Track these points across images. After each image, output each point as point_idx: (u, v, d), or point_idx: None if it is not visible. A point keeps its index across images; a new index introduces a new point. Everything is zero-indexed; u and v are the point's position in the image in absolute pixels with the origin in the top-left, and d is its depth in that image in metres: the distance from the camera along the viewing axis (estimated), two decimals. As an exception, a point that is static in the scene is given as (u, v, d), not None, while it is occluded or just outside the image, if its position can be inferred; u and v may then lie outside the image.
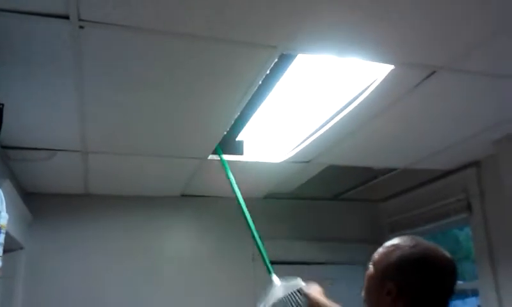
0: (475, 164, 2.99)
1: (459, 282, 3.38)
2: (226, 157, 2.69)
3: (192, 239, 3.66)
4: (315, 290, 1.97)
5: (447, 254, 1.23)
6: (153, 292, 3.42)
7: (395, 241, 1.27)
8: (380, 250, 1.29)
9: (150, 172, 3.06)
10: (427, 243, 1.24)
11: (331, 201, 3.94)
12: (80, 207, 3.43)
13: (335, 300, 1.86)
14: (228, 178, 2.59)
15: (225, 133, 2.41)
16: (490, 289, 2.83)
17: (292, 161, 2.87)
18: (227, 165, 2.62)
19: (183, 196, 3.63)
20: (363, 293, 1.29)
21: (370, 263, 1.30)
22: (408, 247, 1.22)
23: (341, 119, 2.25)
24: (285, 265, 3.70)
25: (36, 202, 3.26)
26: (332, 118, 2.28)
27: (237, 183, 3.32)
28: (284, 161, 2.88)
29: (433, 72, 1.82)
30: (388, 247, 1.26)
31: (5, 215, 1.69)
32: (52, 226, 3.33)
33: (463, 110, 2.22)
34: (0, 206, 1.66)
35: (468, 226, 3.12)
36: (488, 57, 1.72)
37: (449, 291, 1.20)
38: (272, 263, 3.71)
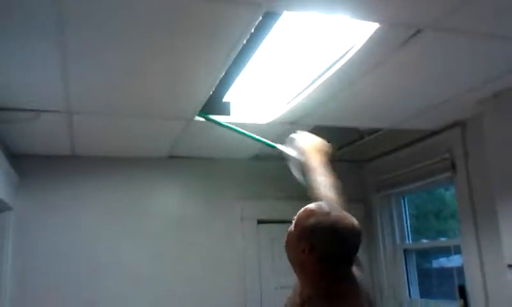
0: (460, 124, 3.01)
1: (443, 239, 3.51)
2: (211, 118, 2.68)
3: (180, 199, 3.69)
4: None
5: (355, 222, 1.45)
6: (140, 251, 3.47)
7: (313, 207, 1.50)
8: (300, 213, 1.51)
9: (136, 133, 3.05)
10: (338, 211, 1.49)
11: (318, 162, 3.97)
12: (67, 168, 3.43)
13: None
14: (227, 127, 2.65)
15: (211, 93, 2.39)
16: (472, 245, 2.91)
17: (279, 122, 2.88)
18: (217, 120, 2.65)
19: (170, 157, 3.64)
20: (284, 245, 1.54)
21: (293, 221, 1.53)
22: (322, 215, 1.45)
23: (326, 79, 2.25)
24: (272, 224, 3.79)
25: (23, 163, 3.25)
26: (318, 78, 2.27)
27: (224, 144, 3.34)
28: (270, 122, 2.88)
29: (418, 31, 1.80)
30: (306, 212, 1.49)
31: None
32: (39, 187, 3.34)
33: (448, 69, 2.21)
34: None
35: (452, 185, 3.18)
36: (473, 16, 1.71)
37: (353, 250, 1.46)
38: (260, 222, 3.80)
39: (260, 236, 3.80)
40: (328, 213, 1.46)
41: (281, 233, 4.13)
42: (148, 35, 1.76)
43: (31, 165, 3.32)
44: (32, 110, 2.46)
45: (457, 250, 3.13)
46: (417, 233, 3.84)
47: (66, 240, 3.33)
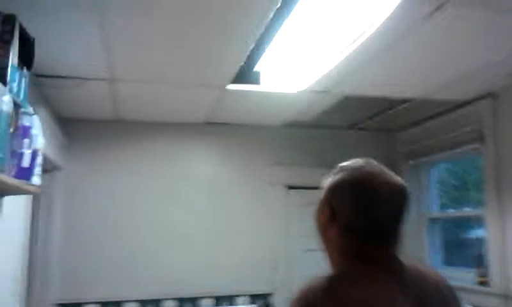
0: (491, 95, 3.02)
1: (468, 209, 3.56)
2: (243, 87, 2.79)
3: (214, 164, 3.87)
4: None
5: (394, 180, 1.06)
6: (176, 211, 3.71)
7: (345, 163, 1.12)
8: (331, 172, 1.14)
9: (175, 100, 3.22)
10: (376, 166, 1.08)
11: (348, 130, 4.05)
12: (111, 132, 3.67)
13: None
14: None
15: (242, 63, 2.51)
16: (495, 216, 2.96)
17: (309, 91, 2.97)
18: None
19: (207, 123, 3.81)
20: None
21: None
22: (351, 170, 1.08)
23: (357, 48, 2.31)
24: (302, 189, 3.93)
25: (70, 127, 3.50)
26: (348, 48, 2.34)
27: (257, 111, 3.47)
28: (301, 91, 2.97)
29: (441, 4, 1.85)
30: (336, 169, 1.12)
31: (42, 139, 1.89)
32: (86, 149, 3.60)
33: (476, 42, 2.24)
34: (38, 131, 1.85)
35: (481, 156, 3.20)
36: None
37: (387, 222, 1.05)
38: (290, 187, 3.94)
39: (289, 201, 3.95)
40: (359, 168, 1.08)
41: (310, 199, 4.29)
42: (185, 9, 1.88)
43: (78, 129, 3.57)
44: (77, 77, 2.66)
45: (480, 221, 3.18)
46: (456, 202, 3.87)
47: (110, 198, 3.60)
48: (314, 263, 3.52)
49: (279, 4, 1.87)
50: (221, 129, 3.86)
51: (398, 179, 1.06)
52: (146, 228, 3.62)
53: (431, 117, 3.58)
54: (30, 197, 2.55)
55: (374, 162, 1.10)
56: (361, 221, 1.03)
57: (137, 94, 3.08)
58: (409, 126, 3.90)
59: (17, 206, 2.29)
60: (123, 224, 3.59)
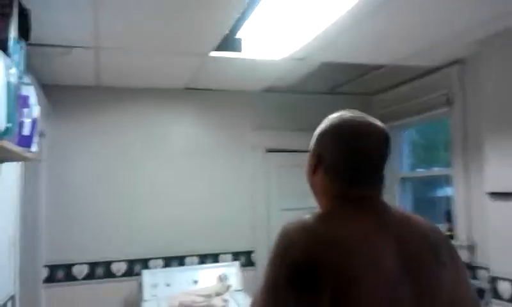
0: (460, 62, 3.21)
1: (437, 169, 3.80)
2: (225, 54, 2.88)
3: (195, 128, 3.98)
4: None
5: (375, 124, 1.13)
6: (160, 174, 3.83)
7: (332, 114, 1.18)
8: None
9: (158, 67, 3.29)
10: (359, 114, 1.15)
11: (326, 95, 4.20)
12: (93, 98, 3.72)
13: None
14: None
15: (227, 32, 2.60)
16: (461, 175, 3.20)
17: (289, 58, 3.09)
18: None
19: (188, 88, 3.89)
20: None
21: None
22: (335, 118, 1.15)
23: (335, 21, 2.44)
24: (280, 153, 4.10)
25: (53, 93, 3.53)
26: (326, 20, 2.46)
27: (237, 77, 3.57)
28: (281, 59, 3.09)
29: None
30: (323, 120, 1.18)
31: (38, 108, 1.97)
32: (69, 115, 3.65)
33: (447, 10, 2.39)
34: (34, 100, 1.93)
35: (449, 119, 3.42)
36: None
37: (368, 162, 1.10)
38: (271, 151, 4.09)
39: (268, 164, 4.11)
40: (341, 115, 1.15)
41: (288, 161, 4.48)
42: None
43: (61, 95, 3.60)
44: (64, 46, 2.70)
45: (448, 181, 3.43)
46: (426, 162, 4.10)
47: (94, 163, 3.69)
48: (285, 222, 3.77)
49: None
50: (201, 94, 3.95)
51: (379, 123, 1.13)
52: (130, 190, 3.74)
53: (404, 82, 3.77)
54: (22, 163, 2.63)
55: (357, 112, 1.16)
56: (344, 162, 1.09)
57: (120, 62, 3.14)
58: (383, 90, 4.08)
59: (12, 171, 2.37)
60: (108, 187, 3.70)
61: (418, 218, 1.15)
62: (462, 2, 2.29)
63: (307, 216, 1.05)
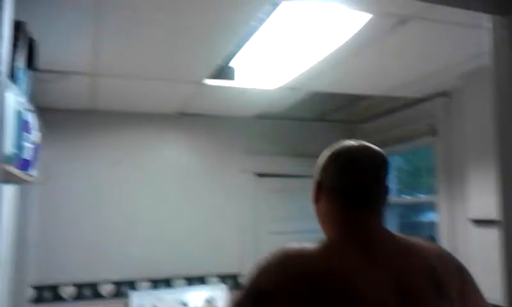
0: (444, 94, 3.34)
1: (421, 195, 3.91)
2: (219, 83, 2.96)
3: (187, 153, 4.05)
4: None
5: (374, 148, 1.17)
6: (150, 197, 3.88)
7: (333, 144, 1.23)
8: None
9: (151, 93, 3.36)
10: (360, 142, 1.19)
11: (315, 122, 4.32)
12: (86, 122, 3.77)
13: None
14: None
15: (221, 61, 2.70)
16: (445, 202, 3.31)
17: (281, 88, 3.19)
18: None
19: (180, 114, 3.97)
20: None
21: None
22: (336, 145, 1.20)
23: (328, 55, 2.56)
24: (270, 177, 4.18)
25: (47, 116, 3.56)
26: (320, 54, 2.58)
27: (230, 103, 3.67)
28: (273, 89, 3.19)
29: (404, 20, 2.11)
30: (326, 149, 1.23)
31: (38, 133, 2.03)
32: (61, 137, 3.69)
33: (433, 49, 2.52)
34: (35, 125, 1.99)
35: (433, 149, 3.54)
36: (450, 9, 2.01)
37: (369, 182, 1.14)
38: (261, 175, 4.17)
39: (258, 188, 4.18)
40: (342, 143, 1.20)
41: (278, 186, 4.54)
42: (171, 15, 2.05)
43: (54, 118, 3.64)
44: (62, 72, 2.76)
45: (433, 206, 3.54)
46: (410, 187, 4.22)
47: (85, 185, 3.72)
48: (278, 245, 3.82)
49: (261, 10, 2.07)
50: (194, 120, 4.03)
51: (377, 148, 1.17)
52: (120, 213, 3.77)
53: (390, 112, 3.90)
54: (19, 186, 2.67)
55: (357, 140, 1.20)
56: (342, 185, 1.12)
57: (116, 87, 3.21)
58: (370, 119, 4.21)
59: (9, 194, 2.41)
60: (98, 209, 3.72)
61: (425, 245, 1.14)
62: (447, 42, 2.43)
63: (301, 244, 1.08)
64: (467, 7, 1.27)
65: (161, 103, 3.68)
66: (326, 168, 1.17)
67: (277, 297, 0.99)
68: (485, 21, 1.28)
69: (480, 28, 1.33)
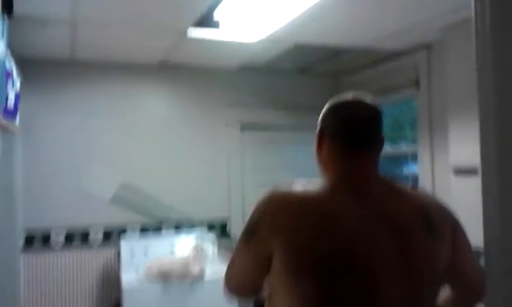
0: (426, 46, 3.36)
1: (403, 146, 3.98)
2: (202, 32, 2.91)
3: (170, 104, 4.03)
4: None
5: (370, 100, 1.27)
6: (130, 147, 3.86)
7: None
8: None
9: (132, 42, 3.30)
10: (355, 94, 1.29)
11: (298, 74, 4.31)
12: (67, 72, 3.70)
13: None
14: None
15: (205, 9, 2.66)
16: (426, 153, 3.40)
17: (265, 40, 3.17)
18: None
19: (162, 65, 3.92)
20: None
21: None
22: (334, 98, 1.30)
23: (311, 6, 2.54)
24: (257, 130, 4.22)
25: (26, 67, 3.48)
26: (303, 4, 2.56)
27: (213, 54, 3.63)
28: (256, 41, 3.16)
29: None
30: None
31: (19, 83, 2.01)
32: (41, 88, 3.63)
33: (414, 0, 2.52)
34: (16, 74, 1.96)
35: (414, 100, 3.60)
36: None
37: (363, 130, 1.24)
38: (245, 128, 4.19)
39: (243, 140, 4.21)
40: (342, 96, 1.30)
41: (262, 138, 4.59)
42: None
43: (34, 68, 3.56)
44: (41, 19, 2.69)
45: (414, 158, 3.63)
46: (392, 141, 4.29)
47: (64, 136, 3.68)
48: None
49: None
50: (176, 71, 3.99)
51: (373, 101, 1.28)
52: (106, 161, 3.75)
53: (372, 64, 3.91)
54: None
55: (355, 93, 1.30)
56: (339, 126, 1.24)
57: (96, 36, 3.14)
58: (353, 72, 4.22)
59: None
60: (83, 158, 3.71)
61: (419, 192, 1.27)
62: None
63: (297, 187, 1.18)
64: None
65: (142, 54, 3.62)
66: (326, 118, 1.28)
67: (260, 224, 1.16)
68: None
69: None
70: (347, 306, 1.06)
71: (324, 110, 1.30)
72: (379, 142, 1.26)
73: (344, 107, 1.27)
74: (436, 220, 1.17)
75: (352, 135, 1.23)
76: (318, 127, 1.30)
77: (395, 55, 3.63)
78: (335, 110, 1.27)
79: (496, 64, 0.63)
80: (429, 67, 3.38)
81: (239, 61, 3.87)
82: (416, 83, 3.48)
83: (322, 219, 1.10)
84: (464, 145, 2.81)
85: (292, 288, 1.09)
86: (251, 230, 1.19)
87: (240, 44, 3.29)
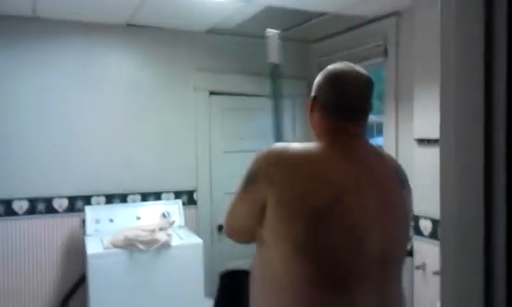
0: (396, 14, 3.36)
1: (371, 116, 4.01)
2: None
3: (135, 67, 3.91)
4: None
5: (361, 71, 1.38)
6: (96, 113, 3.76)
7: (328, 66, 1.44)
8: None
9: (97, 1, 3.17)
10: (349, 64, 1.40)
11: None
12: (29, 30, 3.54)
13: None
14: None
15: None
16: (392, 123, 3.44)
17: (233, 0, 3.09)
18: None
19: (128, 25, 3.79)
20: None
21: None
22: (331, 66, 1.41)
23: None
24: (223, 95, 4.16)
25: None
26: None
27: (181, 15, 3.52)
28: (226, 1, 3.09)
29: None
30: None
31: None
32: (4, 46, 3.46)
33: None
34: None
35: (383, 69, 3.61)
36: None
37: (356, 98, 1.37)
38: (212, 93, 4.14)
39: (211, 107, 4.16)
40: (336, 65, 1.41)
41: (231, 104, 4.55)
42: None
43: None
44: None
45: (380, 130, 3.67)
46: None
47: (32, 97, 3.55)
48: (232, 163, 3.89)
49: None
50: (143, 32, 3.87)
51: (364, 72, 1.40)
52: (71, 127, 3.66)
53: (342, 31, 3.89)
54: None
55: (348, 63, 1.42)
56: (334, 100, 1.36)
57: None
58: (323, 39, 4.20)
59: None
60: (48, 122, 3.59)
61: (391, 157, 1.53)
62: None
63: (293, 143, 1.32)
64: None
65: (107, 12, 3.48)
66: (321, 86, 1.39)
67: (257, 174, 1.29)
68: None
69: None
70: (336, 251, 1.21)
71: (319, 79, 1.41)
72: (368, 111, 1.41)
73: (336, 77, 1.37)
74: (405, 178, 1.41)
75: (347, 108, 1.36)
76: (312, 93, 1.42)
77: (365, 22, 3.61)
78: (328, 79, 1.38)
79: (459, 34, 0.62)
80: (398, 36, 3.38)
81: (208, 23, 3.77)
82: (385, 52, 3.48)
83: (314, 173, 1.24)
84: (427, 116, 2.85)
85: (284, 237, 1.22)
86: (249, 179, 1.31)
87: (210, 4, 3.20)
